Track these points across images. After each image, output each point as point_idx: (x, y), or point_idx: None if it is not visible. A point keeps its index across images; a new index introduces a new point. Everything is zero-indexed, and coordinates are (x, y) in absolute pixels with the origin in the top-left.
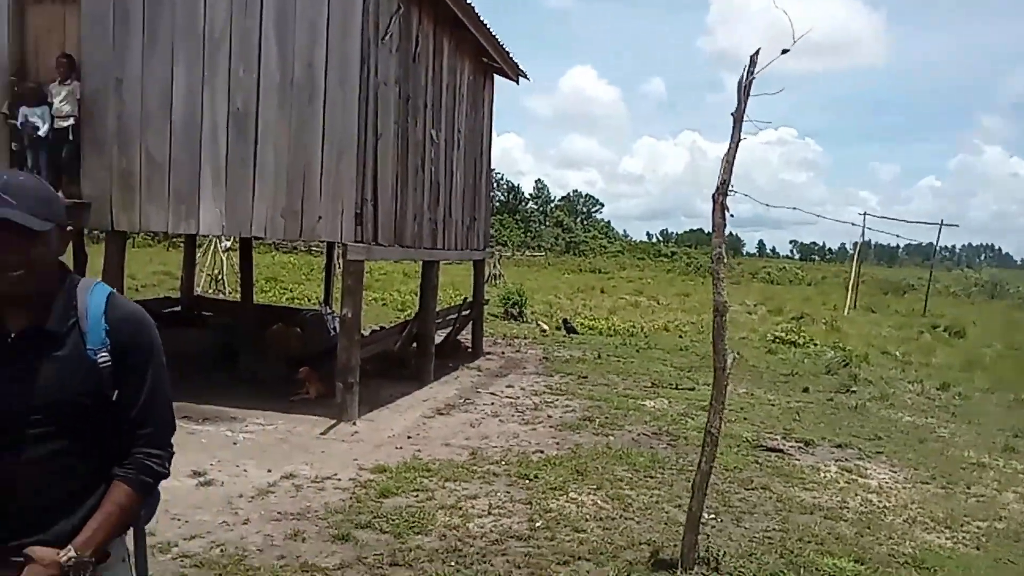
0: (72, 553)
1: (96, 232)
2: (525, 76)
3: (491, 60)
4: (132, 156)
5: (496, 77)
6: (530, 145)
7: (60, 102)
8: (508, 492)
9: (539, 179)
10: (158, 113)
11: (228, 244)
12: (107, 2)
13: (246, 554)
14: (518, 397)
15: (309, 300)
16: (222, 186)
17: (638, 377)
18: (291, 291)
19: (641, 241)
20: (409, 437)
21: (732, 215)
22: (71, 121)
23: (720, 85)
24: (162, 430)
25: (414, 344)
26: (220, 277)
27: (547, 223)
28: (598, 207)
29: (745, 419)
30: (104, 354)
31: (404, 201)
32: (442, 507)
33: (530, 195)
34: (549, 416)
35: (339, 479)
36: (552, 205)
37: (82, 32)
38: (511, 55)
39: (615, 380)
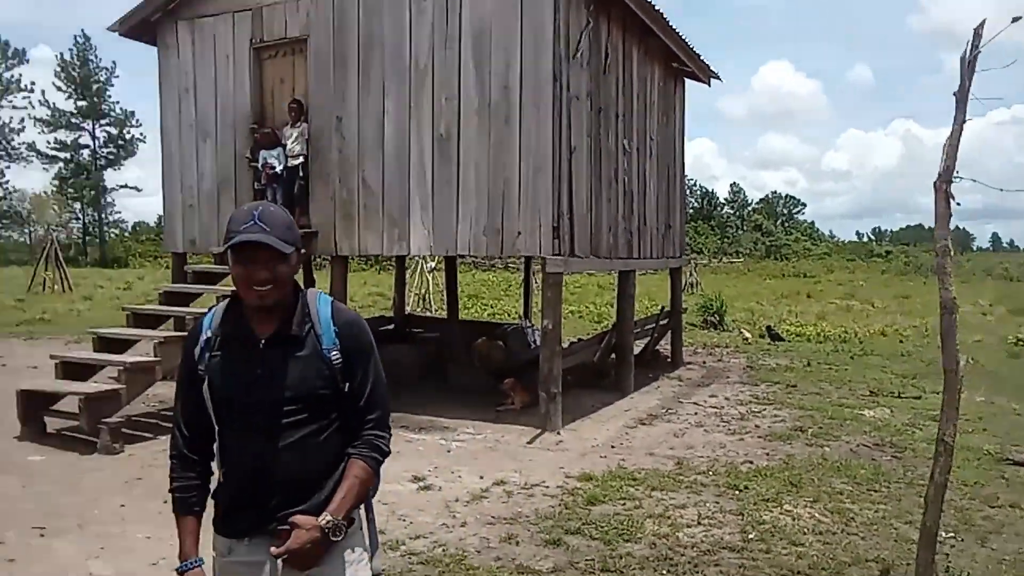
0: (329, 518)
1: (320, 258)
2: (717, 77)
3: (681, 64)
4: (351, 186)
5: (687, 81)
6: (723, 148)
7: (292, 143)
8: (717, 502)
9: (734, 182)
10: (372, 145)
11: (433, 265)
12: (328, 50)
13: (465, 554)
14: (722, 407)
15: (509, 315)
16: (429, 209)
17: (854, 385)
18: (492, 307)
19: (850, 241)
20: (613, 446)
21: (959, 204)
22: (301, 159)
23: (936, 66)
24: (385, 415)
25: (613, 355)
26: (426, 296)
27: (744, 227)
28: (800, 208)
29: (985, 430)
30: (336, 353)
31: (599, 212)
32: (650, 516)
33: (725, 200)
34: (757, 426)
35: (547, 486)
36: (749, 209)
37: (309, 79)
38: (702, 57)
39: (828, 388)
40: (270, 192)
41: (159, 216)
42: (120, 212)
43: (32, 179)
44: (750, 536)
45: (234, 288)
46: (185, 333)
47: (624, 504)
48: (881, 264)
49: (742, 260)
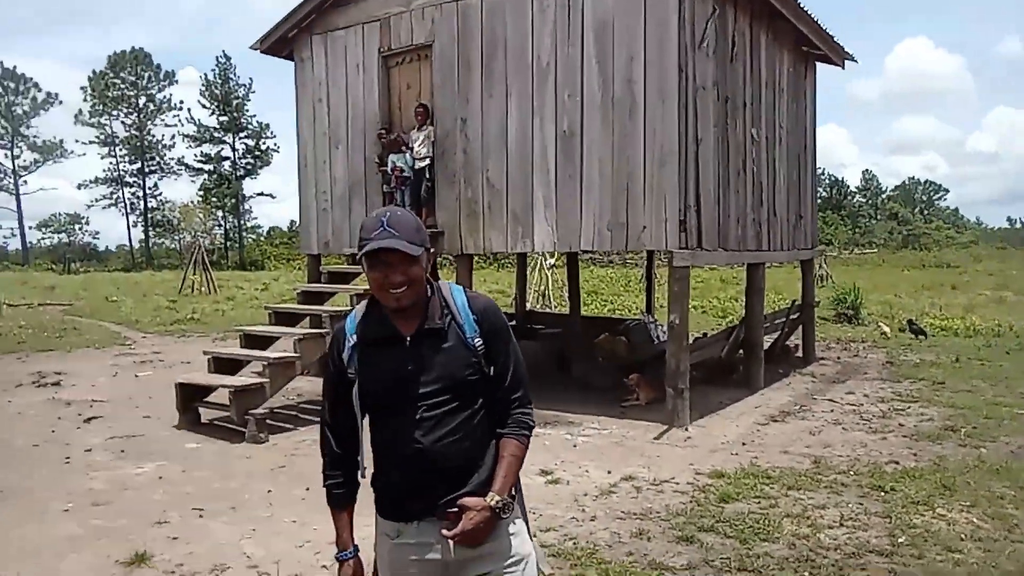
0: (497, 498)
1: (445, 257)
2: (852, 58)
3: (811, 47)
4: (476, 186)
5: (818, 64)
6: (854, 134)
7: (419, 146)
8: (861, 504)
9: (866, 169)
10: (496, 145)
11: (552, 261)
12: (453, 54)
13: (596, 548)
14: (861, 404)
15: (629, 310)
16: (553, 205)
17: (1012, 383)
18: (611, 302)
19: (1000, 228)
20: (744, 443)
21: None
22: (427, 162)
23: None
24: (527, 391)
25: (741, 350)
26: (546, 292)
27: (878, 216)
28: (941, 194)
29: None
30: (478, 339)
31: (727, 204)
32: (788, 515)
33: (856, 188)
34: (901, 425)
35: (677, 482)
36: (884, 197)
37: (434, 83)
38: (835, 38)
39: (981, 386)
40: (399, 194)
41: (292, 221)
42: (256, 218)
43: (180, 190)
44: (899, 540)
45: (370, 290)
46: (322, 330)
47: (759, 503)
48: None
49: (876, 251)
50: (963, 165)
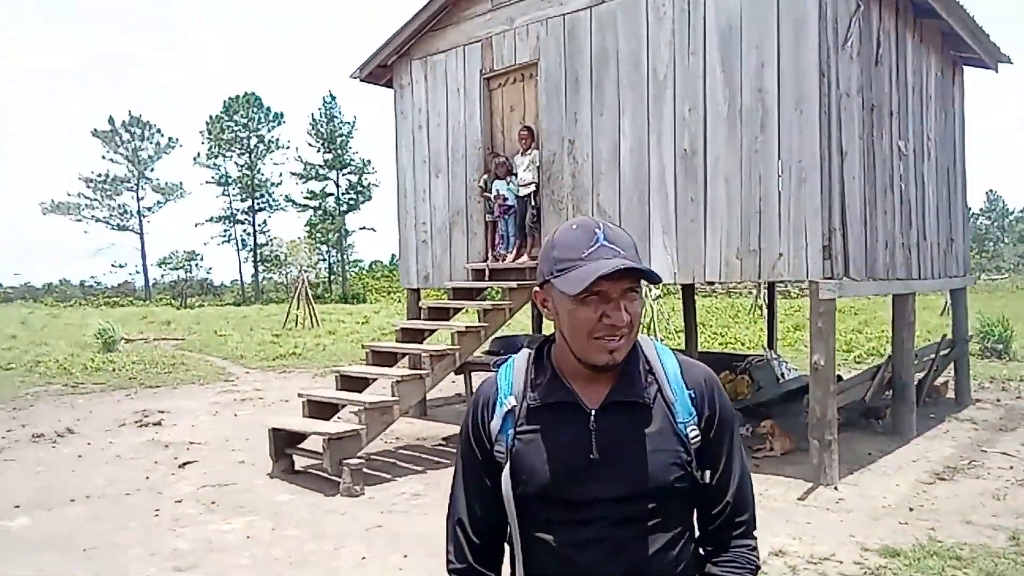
0: None
1: None
2: (1007, 60)
3: (960, 50)
4: (586, 213)
5: (966, 69)
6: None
7: (524, 171)
8: None
9: (990, 189)
10: (608, 167)
11: (658, 292)
12: (559, 72)
13: None
14: None
15: (742, 344)
16: (673, 232)
17: None
18: (722, 335)
19: None
20: (911, 508)
21: None
22: (532, 187)
23: None
24: (754, 513)
25: (887, 392)
26: (650, 325)
27: (1006, 240)
28: None
29: None
30: (693, 428)
31: (874, 226)
32: None
33: (981, 210)
34: None
35: (839, 561)
36: (1011, 218)
37: (539, 103)
38: (989, 36)
39: None
40: (502, 223)
41: (392, 254)
42: (357, 252)
43: (287, 226)
44: None
45: (541, 335)
46: (421, 371)
47: None
48: None
49: (1006, 276)
50: None
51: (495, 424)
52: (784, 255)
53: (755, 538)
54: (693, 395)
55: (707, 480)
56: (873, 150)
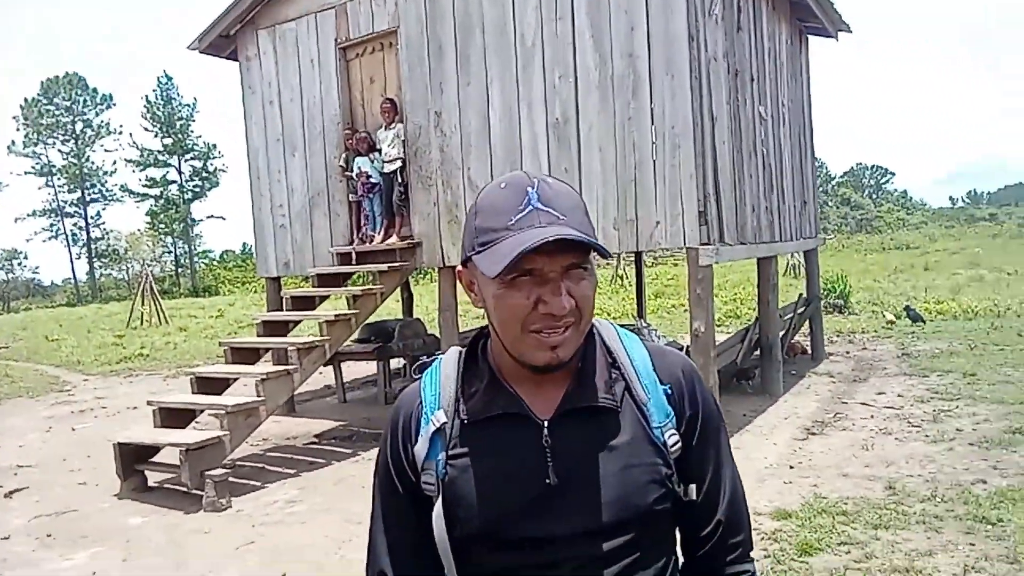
0: None
1: (427, 271)
2: (847, 29)
3: (805, 20)
4: (456, 188)
5: (811, 38)
6: None
7: (388, 146)
8: (972, 545)
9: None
10: (478, 139)
11: None
12: (421, 40)
13: None
14: (901, 406)
15: (609, 315)
16: None
17: None
18: (598, 308)
19: (942, 208)
20: (791, 467)
21: None
22: (398, 163)
23: None
24: (750, 534)
25: (756, 352)
26: None
27: (830, 203)
28: (888, 177)
29: None
30: (673, 433)
31: (742, 191)
32: (894, 571)
33: None
34: (958, 430)
35: None
36: (834, 183)
37: (401, 74)
38: (833, 4)
39: (1015, 375)
40: (367, 203)
41: (245, 243)
42: (207, 242)
43: (125, 218)
44: None
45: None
46: (288, 367)
47: (849, 552)
48: (990, 228)
49: (832, 236)
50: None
51: (420, 448)
52: (661, 223)
53: (752, 561)
54: (669, 391)
55: (692, 496)
56: (738, 115)
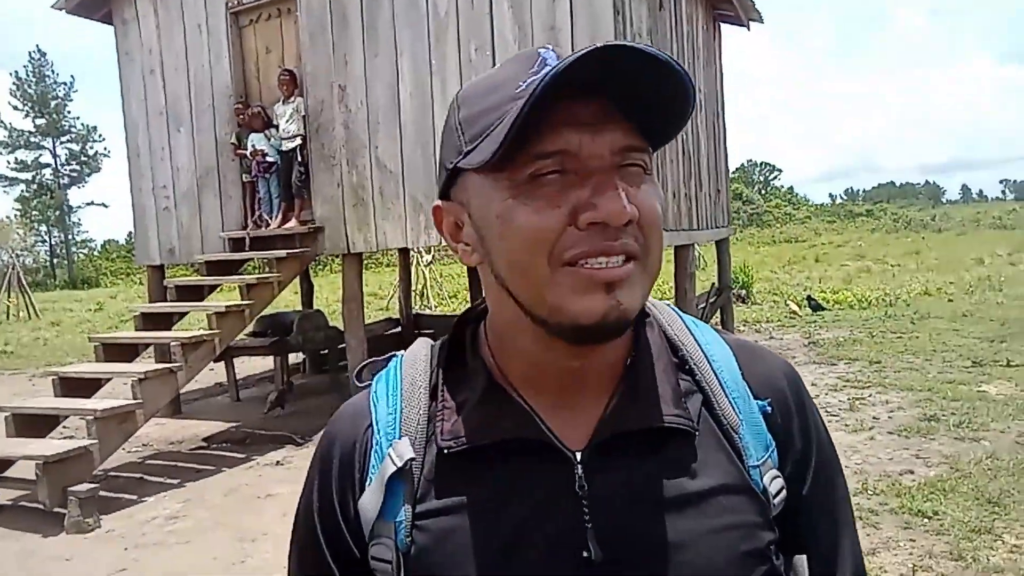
0: None
1: (329, 257)
2: (759, 20)
3: (719, 8)
4: (362, 168)
5: (723, 27)
6: None
7: (286, 122)
8: (913, 541)
9: None
10: (386, 116)
11: (430, 257)
12: (324, 6)
13: None
14: (816, 395)
15: None
16: None
17: (945, 355)
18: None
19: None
20: None
21: None
22: (297, 141)
23: None
24: None
25: None
26: (424, 292)
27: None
28: (776, 173)
29: None
30: (775, 476)
31: (663, 176)
32: None
33: None
34: (875, 418)
35: None
36: (732, 176)
37: (301, 44)
38: None
39: (917, 362)
40: (262, 183)
41: (129, 232)
42: (87, 231)
43: None
44: None
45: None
46: (171, 365)
47: None
48: (868, 223)
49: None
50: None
51: (369, 502)
52: None
53: None
54: (768, 409)
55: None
56: None
